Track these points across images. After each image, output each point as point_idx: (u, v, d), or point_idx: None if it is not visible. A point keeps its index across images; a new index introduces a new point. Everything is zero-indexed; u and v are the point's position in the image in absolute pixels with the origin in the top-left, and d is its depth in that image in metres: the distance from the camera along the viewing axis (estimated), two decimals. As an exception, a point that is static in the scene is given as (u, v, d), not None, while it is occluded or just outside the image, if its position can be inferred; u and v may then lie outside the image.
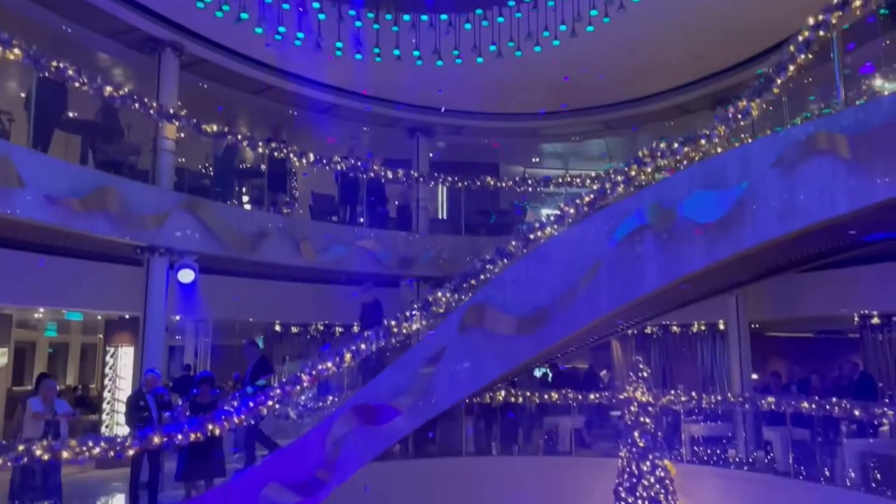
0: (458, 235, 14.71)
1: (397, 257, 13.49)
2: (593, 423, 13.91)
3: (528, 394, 13.42)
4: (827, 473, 10.16)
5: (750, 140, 8.50)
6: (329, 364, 9.35)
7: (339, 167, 12.82)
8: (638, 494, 10.93)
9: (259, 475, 8.79)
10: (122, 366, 13.75)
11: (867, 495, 9.29)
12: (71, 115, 10.61)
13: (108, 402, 13.57)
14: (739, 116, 8.56)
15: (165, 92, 11.04)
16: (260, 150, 12.11)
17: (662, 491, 10.96)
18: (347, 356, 9.40)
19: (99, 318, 14.68)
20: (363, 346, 9.47)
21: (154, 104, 10.29)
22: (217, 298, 12.61)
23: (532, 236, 9.47)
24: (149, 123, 10.84)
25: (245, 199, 13.18)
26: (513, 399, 13.19)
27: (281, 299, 14.38)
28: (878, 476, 9.35)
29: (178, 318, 12.66)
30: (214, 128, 10.98)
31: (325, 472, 8.93)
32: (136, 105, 9.99)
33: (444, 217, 16.47)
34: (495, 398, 13.12)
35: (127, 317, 13.40)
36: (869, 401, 9.56)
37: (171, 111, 10.49)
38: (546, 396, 13.41)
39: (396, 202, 15.38)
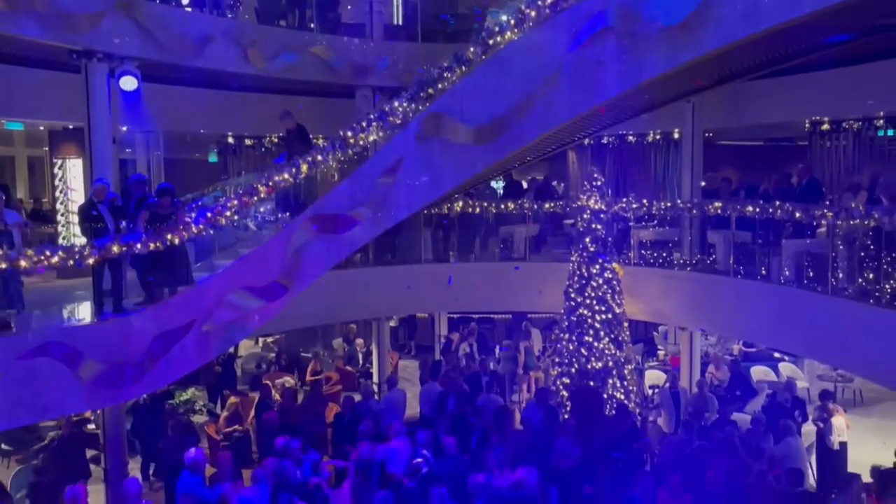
0: (415, 42, 14.11)
1: (351, 65, 12.96)
2: (547, 231, 14.36)
3: (485, 204, 13.68)
4: (764, 272, 10.82)
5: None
6: (286, 175, 9.27)
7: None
8: (586, 294, 11.58)
9: (223, 281, 8.99)
10: (71, 178, 13.45)
11: (799, 290, 9.99)
12: None
13: (63, 215, 13.43)
14: None
15: None
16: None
17: (609, 291, 11.62)
18: (304, 167, 9.32)
19: (42, 128, 14.12)
20: (319, 158, 9.37)
21: None
22: (165, 109, 12.16)
23: (491, 42, 9.09)
24: None
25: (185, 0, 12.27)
26: (470, 209, 13.44)
27: (233, 110, 13.93)
28: (811, 273, 9.99)
29: (125, 129, 12.23)
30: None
31: (287, 279, 9.17)
32: None
33: (400, 23, 15.68)
34: (453, 208, 13.35)
35: (71, 127, 12.91)
36: (812, 204, 9.98)
37: None
38: (502, 206, 13.69)
39: (349, 7, 14.53)
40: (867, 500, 7.76)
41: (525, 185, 16.23)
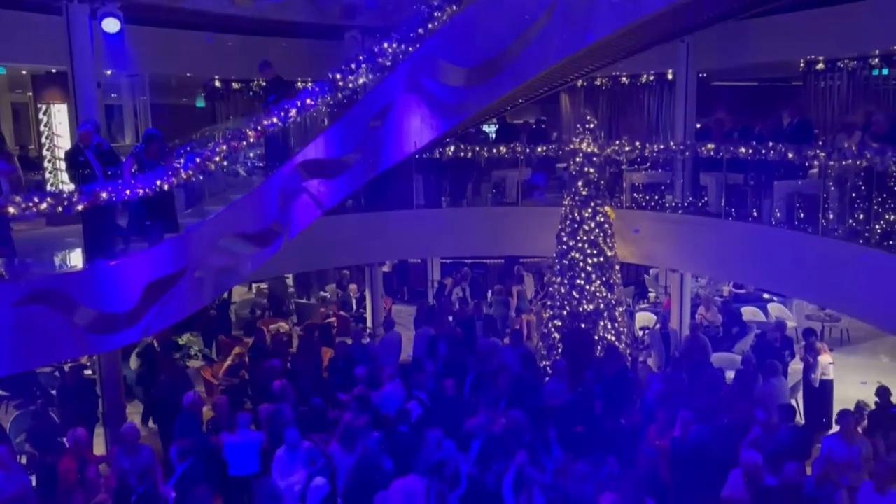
0: (405, -20, 13.75)
1: (339, 4, 12.65)
2: (540, 174, 14.30)
3: (477, 148, 13.56)
4: (755, 213, 10.85)
5: None
6: (274, 119, 9.13)
7: None
8: (578, 238, 11.61)
9: (214, 227, 8.94)
10: (56, 123, 13.23)
11: (790, 231, 10.04)
12: None
13: (49, 161, 13.25)
14: None
15: None
16: None
17: (601, 234, 11.65)
18: (293, 111, 9.17)
19: (24, 73, 13.82)
20: (309, 101, 9.21)
21: None
22: (149, 52, 11.89)
23: (483, -22, 8.88)
24: None
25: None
26: (462, 154, 13.33)
27: (220, 53, 13.63)
28: (802, 214, 10.04)
29: (109, 72, 11.98)
30: None
31: (278, 225, 9.13)
32: None
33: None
34: (445, 153, 13.24)
35: (54, 71, 12.65)
36: (803, 144, 9.94)
37: None
38: (494, 150, 13.59)
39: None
40: (857, 434, 7.98)
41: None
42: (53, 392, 10.80)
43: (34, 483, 8.38)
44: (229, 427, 8.52)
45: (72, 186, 8.60)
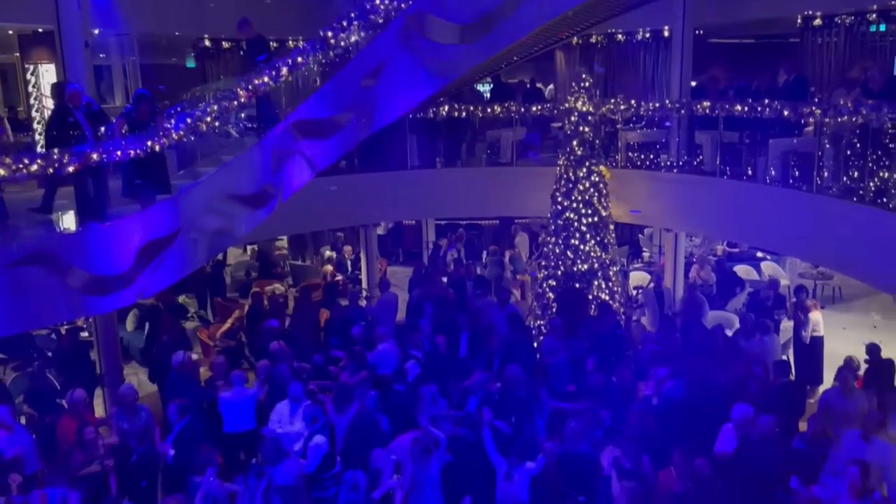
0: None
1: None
2: (534, 134, 14.21)
3: (472, 107, 13.44)
4: (750, 172, 10.83)
5: None
6: (265, 78, 9.00)
7: None
8: (573, 198, 11.59)
9: (207, 189, 8.89)
10: (44, 84, 13.02)
11: (784, 189, 10.04)
12: None
13: (39, 122, 13.09)
14: None
15: None
16: None
17: (596, 194, 11.62)
18: (284, 70, 9.04)
19: (10, 32, 13.57)
20: (300, 60, 9.08)
21: None
22: (138, 10, 11.69)
23: (477, -70, 8.70)
24: None
25: None
26: (456, 113, 13.21)
27: (208, 12, 13.40)
28: (797, 173, 10.01)
29: (96, 31, 11.76)
30: None
31: (271, 186, 9.07)
32: None
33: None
34: (439, 113, 13.12)
35: (41, 31, 12.42)
36: (799, 101, 9.88)
37: None
38: (489, 110, 13.46)
39: None
40: (855, 388, 8.11)
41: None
42: (50, 354, 10.86)
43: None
44: (225, 385, 8.60)
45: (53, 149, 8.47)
